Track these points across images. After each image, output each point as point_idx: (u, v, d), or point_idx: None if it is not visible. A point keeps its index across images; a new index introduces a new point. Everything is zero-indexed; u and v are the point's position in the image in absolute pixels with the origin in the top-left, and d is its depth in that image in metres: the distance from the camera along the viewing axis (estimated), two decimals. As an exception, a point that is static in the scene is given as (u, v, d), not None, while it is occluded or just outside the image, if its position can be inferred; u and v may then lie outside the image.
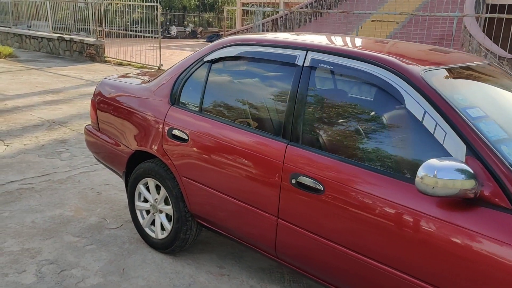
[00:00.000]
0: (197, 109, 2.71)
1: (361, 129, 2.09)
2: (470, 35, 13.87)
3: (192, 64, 2.82)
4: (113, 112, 3.21)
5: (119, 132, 3.15)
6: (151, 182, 2.98)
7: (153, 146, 2.87)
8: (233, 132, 2.46)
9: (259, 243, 2.44)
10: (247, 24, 26.36)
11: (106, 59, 13.64)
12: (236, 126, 2.48)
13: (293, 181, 2.16)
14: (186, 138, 2.66)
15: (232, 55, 2.61)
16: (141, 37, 14.15)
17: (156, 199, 2.98)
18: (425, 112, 1.87)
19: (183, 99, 2.81)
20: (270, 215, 2.30)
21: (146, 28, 14.29)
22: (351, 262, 2.02)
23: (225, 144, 2.47)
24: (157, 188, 2.98)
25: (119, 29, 14.24)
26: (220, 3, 34.60)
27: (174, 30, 27.41)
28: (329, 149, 2.12)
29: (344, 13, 9.05)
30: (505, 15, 8.27)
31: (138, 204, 3.11)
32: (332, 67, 2.18)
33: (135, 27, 15.88)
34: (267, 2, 21.54)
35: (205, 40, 26.15)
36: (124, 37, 14.34)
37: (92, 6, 13.52)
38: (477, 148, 1.72)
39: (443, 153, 1.79)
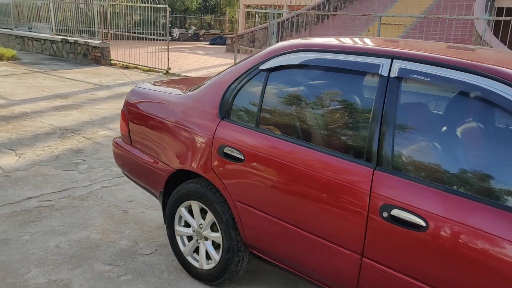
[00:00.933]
0: (253, 124, 2.37)
1: (471, 154, 1.76)
2: (483, 40, 13.61)
3: (244, 73, 2.48)
4: (149, 125, 2.87)
5: (157, 147, 2.81)
6: (195, 205, 2.64)
7: (199, 165, 2.53)
8: (301, 152, 2.12)
9: (333, 283, 2.10)
10: (249, 26, 26.06)
11: (112, 62, 13.28)
12: (304, 145, 2.14)
13: (385, 214, 1.83)
14: (242, 157, 2.32)
15: (295, 63, 2.28)
16: (146, 39, 13.81)
17: (201, 224, 2.64)
18: None
19: (235, 112, 2.47)
20: (352, 252, 1.96)
21: (150, 30, 13.94)
22: None
23: (291, 165, 2.13)
24: (203, 212, 2.64)
25: (123, 31, 13.88)
26: (221, 6, 34.32)
27: (176, 32, 27.08)
28: (431, 178, 1.79)
29: (352, 16, 8.75)
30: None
31: (179, 229, 2.77)
32: (428, 79, 1.85)
33: (139, 30, 15.55)
34: (269, 4, 21.22)
35: (208, 43, 25.84)
36: (129, 39, 14.00)
37: (97, 8, 13.17)
38: None
39: None
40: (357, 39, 2.39)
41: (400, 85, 1.92)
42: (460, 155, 1.79)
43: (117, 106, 7.57)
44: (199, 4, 31.73)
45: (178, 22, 29.93)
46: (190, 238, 2.76)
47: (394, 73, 1.94)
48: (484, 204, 1.64)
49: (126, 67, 12.80)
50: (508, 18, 8.38)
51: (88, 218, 3.46)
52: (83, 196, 3.87)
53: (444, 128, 1.85)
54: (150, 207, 3.73)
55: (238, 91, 2.48)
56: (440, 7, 17.69)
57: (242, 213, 2.37)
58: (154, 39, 13.38)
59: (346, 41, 2.30)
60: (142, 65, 12.76)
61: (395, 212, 1.80)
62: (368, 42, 2.23)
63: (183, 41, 26.85)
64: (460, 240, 1.66)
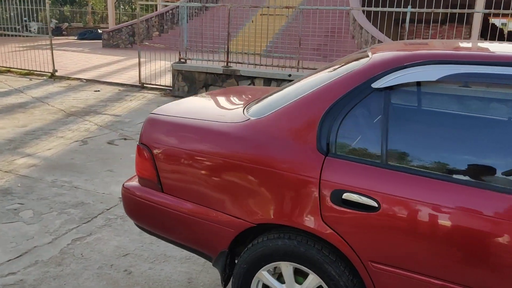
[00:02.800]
0: (378, 160, 1.85)
1: None
2: (361, 28, 14.44)
3: (348, 93, 1.93)
4: (197, 166, 2.15)
5: (217, 195, 2.12)
6: (287, 268, 2.04)
7: (298, 217, 1.93)
8: (463, 195, 1.68)
9: None
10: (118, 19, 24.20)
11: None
12: (469, 184, 1.69)
13: None
14: (376, 205, 1.79)
15: (432, 79, 1.81)
16: (10, 36, 11.81)
17: (296, 290, 2.06)
18: None
19: (345, 145, 1.91)
20: None
21: (9, 25, 11.91)
22: None
23: (455, 212, 1.68)
24: (297, 274, 2.05)
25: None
26: (83, -5, 31.43)
27: (34, 26, 23.88)
28: None
29: (232, 7, 8.50)
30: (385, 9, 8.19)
31: (259, 299, 2.13)
32: None
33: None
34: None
35: (76, 38, 23.35)
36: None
37: None
38: None
39: None
40: (481, 45, 2.01)
41: None
42: None
43: (17, 123, 6.18)
44: (56, -6, 28.58)
45: (35, 15, 26.55)
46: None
47: None
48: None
49: (-5, 72, 10.76)
50: (375, 9, 8.38)
51: (85, 292, 2.58)
52: (56, 258, 2.90)
53: None
54: (154, 259, 2.95)
55: (344, 117, 1.92)
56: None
57: (379, 277, 1.85)
58: (14, 35, 11.47)
59: (484, 48, 1.91)
60: (17, 68, 10.83)
61: None
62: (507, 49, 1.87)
63: (43, 36, 23.87)
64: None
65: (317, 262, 1.94)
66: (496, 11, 7.42)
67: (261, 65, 8.71)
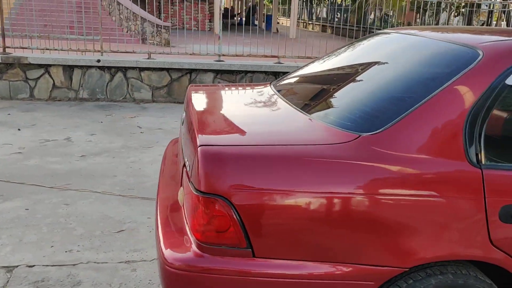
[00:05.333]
0: (529, 163, 1.68)
1: None
2: (119, 3, 13.58)
3: (482, 92, 1.67)
4: (311, 207, 1.54)
5: (345, 242, 1.57)
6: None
7: (464, 247, 1.61)
8: None
9: None
10: None
11: None
12: None
13: None
14: (544, 213, 1.63)
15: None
16: None
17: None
18: None
19: (490, 151, 1.66)
20: None
21: None
22: None
23: None
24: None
25: None
26: None
27: None
28: None
29: None
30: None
31: None
32: None
33: None
34: None
35: None
36: None
37: None
38: None
39: None
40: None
41: None
42: None
43: None
44: None
45: None
46: None
47: None
48: None
49: None
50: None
51: None
52: None
53: None
54: None
55: (483, 121, 1.66)
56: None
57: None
58: None
59: None
60: None
61: None
62: None
63: None
64: None
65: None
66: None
67: (55, 49, 7.14)
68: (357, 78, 2.07)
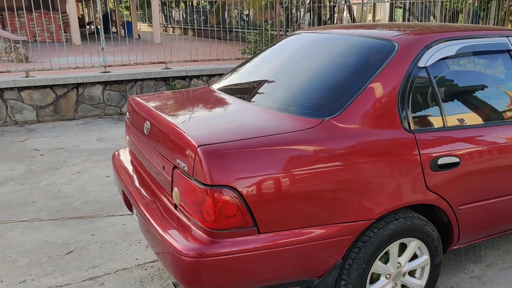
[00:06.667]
0: (440, 124, 2.20)
1: None
2: None
3: (404, 75, 2.14)
4: (297, 185, 1.85)
5: (327, 208, 1.91)
6: (396, 247, 2.14)
7: (411, 195, 2.07)
8: (504, 132, 2.34)
9: None
10: None
11: None
12: (504, 124, 2.35)
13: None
14: (458, 160, 2.17)
15: (451, 54, 2.29)
16: None
17: (399, 263, 2.19)
18: None
19: (417, 119, 2.14)
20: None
21: None
22: None
23: (497, 146, 2.32)
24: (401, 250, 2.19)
25: None
26: None
27: None
28: None
29: None
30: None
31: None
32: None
33: None
34: None
35: None
36: None
37: None
38: None
39: None
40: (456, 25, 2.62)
41: None
42: None
43: None
44: None
45: None
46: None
47: None
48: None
49: None
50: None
51: None
52: None
53: None
54: None
55: (409, 97, 2.14)
56: None
57: (462, 216, 2.26)
58: None
59: (464, 27, 2.52)
60: None
61: None
62: (485, 27, 2.58)
63: None
64: None
65: (418, 228, 2.15)
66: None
67: None
68: (303, 74, 2.42)
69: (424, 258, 2.25)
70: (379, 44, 2.29)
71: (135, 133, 2.54)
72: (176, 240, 1.84)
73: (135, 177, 2.47)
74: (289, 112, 2.11)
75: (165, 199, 2.13)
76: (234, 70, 2.93)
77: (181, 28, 25.38)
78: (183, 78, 7.38)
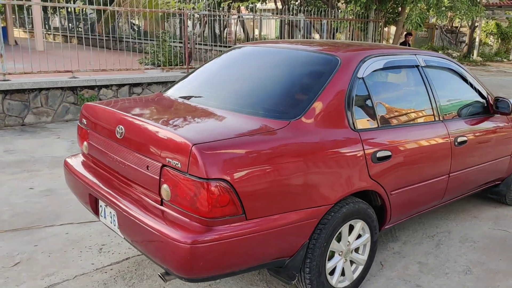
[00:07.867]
0: (375, 124, 2.67)
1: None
2: None
3: (348, 84, 2.58)
4: (276, 176, 2.16)
5: (302, 194, 2.25)
6: (347, 227, 2.55)
7: (359, 183, 2.50)
8: (421, 130, 2.90)
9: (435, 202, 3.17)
10: None
11: None
12: (420, 124, 2.92)
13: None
14: (390, 154, 2.66)
15: (380, 67, 2.79)
16: None
17: (348, 242, 2.60)
18: None
19: (359, 120, 2.58)
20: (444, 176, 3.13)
21: None
22: None
23: (420, 142, 2.87)
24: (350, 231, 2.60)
25: None
26: None
27: None
28: None
29: None
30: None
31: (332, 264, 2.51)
32: (429, 64, 3.20)
33: None
34: None
35: None
36: None
37: None
38: None
39: None
40: (378, 44, 3.10)
41: (425, 69, 3.14)
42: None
43: None
44: None
45: None
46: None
47: (422, 63, 3.12)
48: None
49: None
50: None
51: None
52: None
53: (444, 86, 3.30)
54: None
55: (352, 102, 2.57)
56: None
57: (394, 199, 2.74)
58: None
59: (382, 46, 3.05)
60: None
61: (459, 139, 3.20)
62: (393, 46, 3.10)
63: None
64: None
65: (363, 210, 2.60)
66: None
67: None
68: (265, 82, 2.73)
69: (366, 236, 2.69)
70: (326, 58, 2.71)
71: (100, 138, 2.61)
72: (171, 231, 2.01)
73: (103, 179, 2.54)
74: (258, 115, 2.40)
75: (145, 197, 2.28)
76: (184, 79, 3.14)
77: (63, 35, 23.97)
78: (91, 87, 7.20)
